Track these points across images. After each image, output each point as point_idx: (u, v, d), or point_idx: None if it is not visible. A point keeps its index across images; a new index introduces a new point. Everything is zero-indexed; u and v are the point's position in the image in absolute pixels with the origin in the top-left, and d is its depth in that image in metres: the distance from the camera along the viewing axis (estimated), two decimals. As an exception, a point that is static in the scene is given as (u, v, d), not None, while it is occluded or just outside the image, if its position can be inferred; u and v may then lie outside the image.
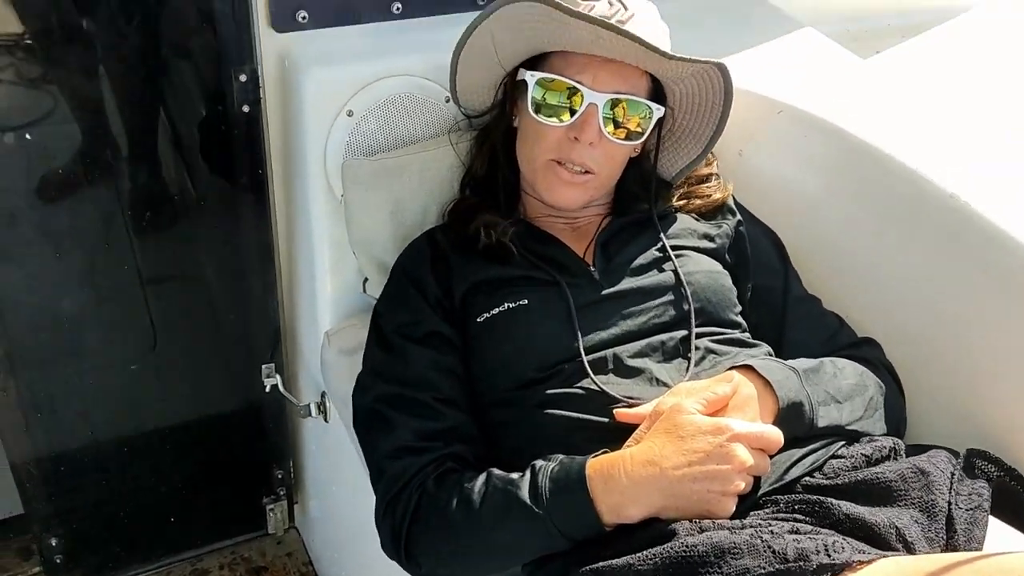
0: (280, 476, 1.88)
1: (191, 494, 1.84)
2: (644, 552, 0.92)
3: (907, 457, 1.08)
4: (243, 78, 1.33)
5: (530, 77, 1.24)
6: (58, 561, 1.71)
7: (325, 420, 1.60)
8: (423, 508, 1.08)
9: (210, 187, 1.50)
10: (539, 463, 1.04)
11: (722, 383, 1.05)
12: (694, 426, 0.99)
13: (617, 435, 1.06)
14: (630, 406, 1.09)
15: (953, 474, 1.04)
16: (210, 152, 1.44)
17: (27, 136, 1.29)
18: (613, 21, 1.18)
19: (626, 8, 1.22)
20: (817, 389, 1.11)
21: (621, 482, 0.97)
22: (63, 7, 1.26)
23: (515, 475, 1.04)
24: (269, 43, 1.36)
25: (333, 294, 1.50)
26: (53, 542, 1.68)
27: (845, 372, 1.19)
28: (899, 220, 1.33)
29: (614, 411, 1.09)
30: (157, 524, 1.85)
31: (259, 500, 1.91)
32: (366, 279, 1.47)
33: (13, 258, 1.42)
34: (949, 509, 0.99)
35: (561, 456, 1.04)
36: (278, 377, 1.65)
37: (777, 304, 1.34)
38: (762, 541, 0.89)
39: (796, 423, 1.06)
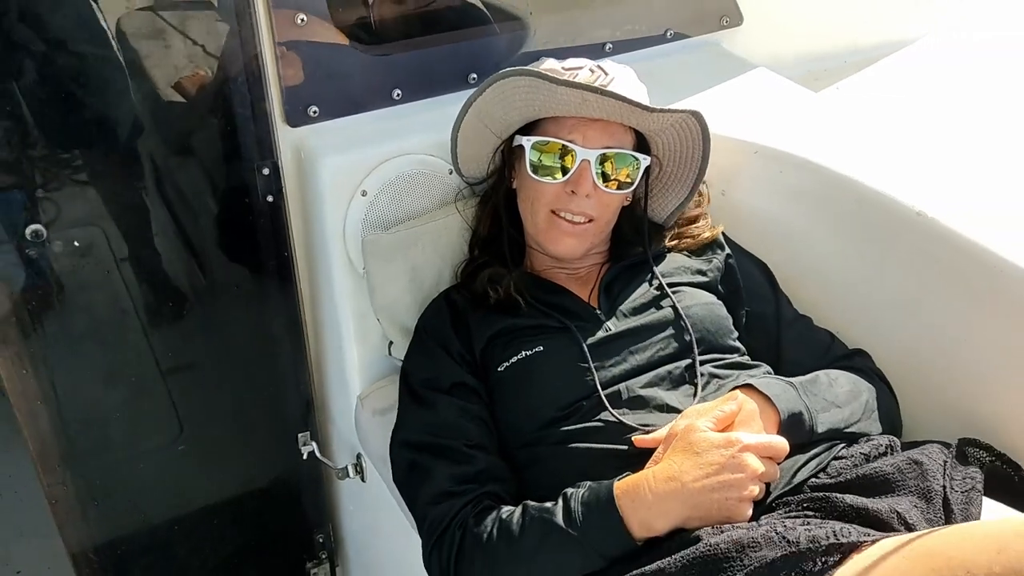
0: (321, 540, 1.96)
1: (239, 565, 1.92)
2: (673, 556, 1.02)
3: (902, 452, 1.18)
4: (266, 171, 1.47)
5: (526, 142, 1.38)
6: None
7: (362, 480, 1.70)
8: (467, 545, 1.17)
9: (239, 273, 1.62)
10: (569, 491, 1.14)
11: (728, 402, 1.15)
12: (708, 442, 1.09)
13: (637, 460, 1.16)
14: (646, 432, 1.20)
15: (946, 462, 1.15)
16: (238, 240, 1.56)
17: (75, 243, 1.42)
18: (595, 85, 1.32)
19: (606, 73, 1.37)
20: (814, 398, 1.21)
21: (647, 499, 1.08)
22: (96, 116, 1.40)
23: (548, 504, 1.14)
24: (285, 137, 1.50)
25: (361, 360, 1.60)
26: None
27: (839, 381, 1.30)
28: (875, 239, 1.46)
29: (632, 438, 1.19)
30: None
31: (302, 565, 1.99)
32: (391, 342, 1.58)
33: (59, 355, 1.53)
34: (944, 493, 1.09)
35: (589, 483, 1.14)
36: (314, 444, 1.75)
37: (771, 328, 1.45)
38: (776, 533, 0.99)
39: (798, 431, 1.17)
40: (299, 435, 1.74)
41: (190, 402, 1.72)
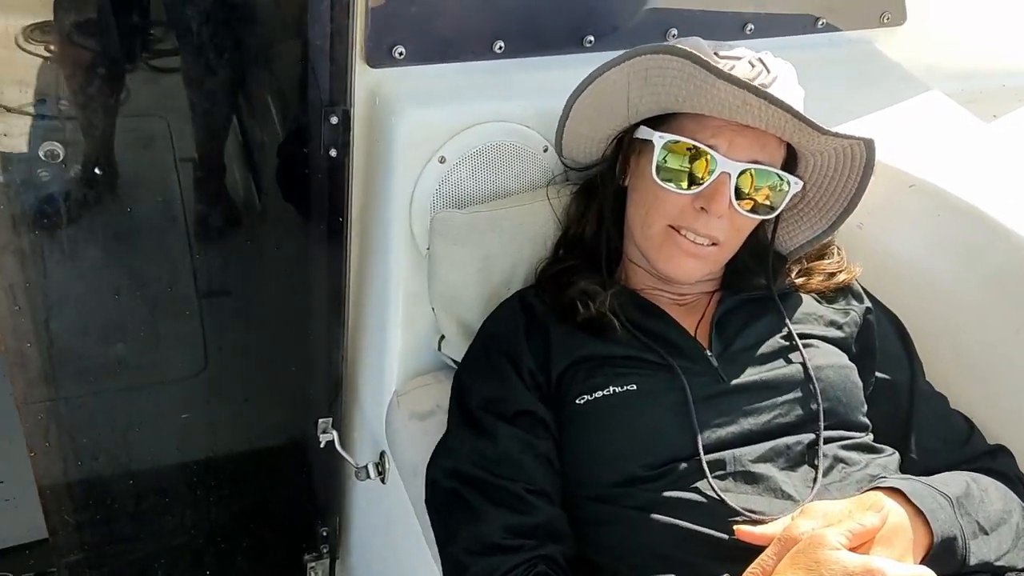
0: (325, 534, 1.76)
1: (231, 542, 1.73)
2: None
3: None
4: (334, 120, 1.21)
5: (658, 139, 1.12)
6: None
7: (383, 482, 1.47)
8: None
9: (284, 229, 1.39)
10: None
11: (869, 512, 0.90)
12: (840, 566, 0.84)
13: (735, 553, 0.92)
14: (753, 522, 0.96)
15: None
16: (289, 195, 1.32)
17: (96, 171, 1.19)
18: (756, 84, 1.06)
19: (768, 70, 1.11)
20: (969, 519, 0.97)
21: (758, 627, 0.84)
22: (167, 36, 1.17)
23: None
24: (361, 79, 1.25)
25: (404, 350, 1.38)
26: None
27: (990, 495, 1.05)
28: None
29: (734, 527, 0.95)
30: (193, 572, 1.73)
31: (299, 556, 1.79)
32: (443, 336, 1.34)
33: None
34: None
35: None
36: (335, 433, 1.53)
37: (903, 401, 1.20)
38: None
39: (947, 561, 0.93)
40: (319, 420, 1.51)
41: (219, 336, 1.52)
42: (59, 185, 1.23)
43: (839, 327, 1.19)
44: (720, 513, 0.98)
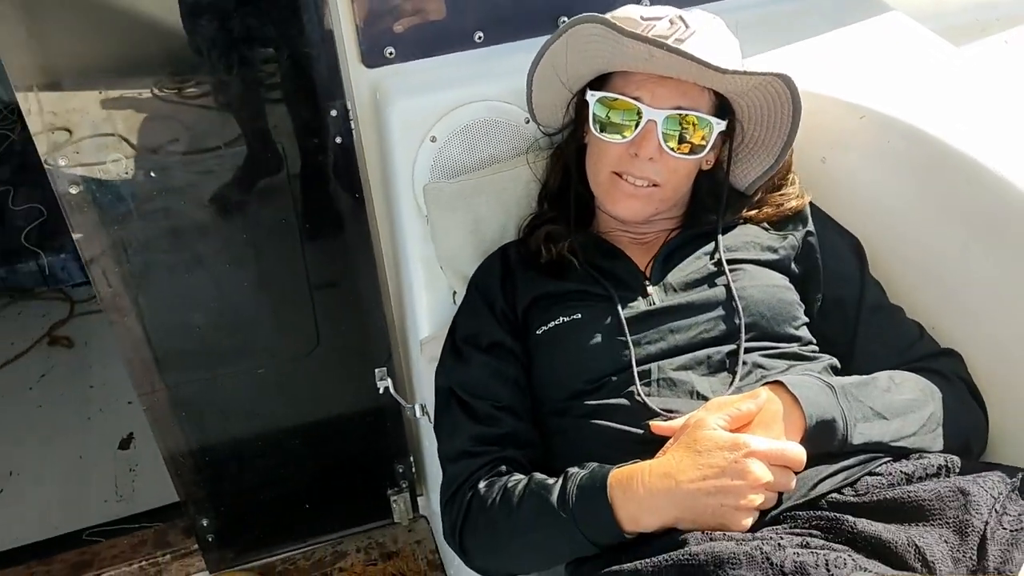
0: (401, 470, 2.03)
1: (326, 484, 2.04)
2: (651, 559, 0.97)
3: (959, 476, 1.04)
4: (334, 113, 1.48)
5: (591, 96, 1.30)
6: (210, 540, 1.95)
7: (429, 421, 1.72)
8: (473, 507, 1.17)
9: (316, 210, 1.66)
10: (572, 470, 1.10)
11: (748, 399, 1.06)
12: (712, 441, 1.01)
13: (653, 447, 1.09)
14: (668, 419, 1.13)
15: (1002, 493, 1.00)
16: (313, 179, 1.60)
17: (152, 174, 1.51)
18: (671, 40, 1.21)
19: (687, 26, 1.24)
20: (859, 404, 1.09)
21: (638, 492, 1.02)
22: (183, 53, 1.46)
23: (551, 480, 1.11)
24: (361, 78, 1.50)
25: (428, 305, 1.61)
26: (205, 523, 1.92)
27: (903, 387, 1.15)
28: (987, 229, 1.26)
29: (650, 424, 1.12)
30: (298, 510, 2.05)
31: (384, 491, 2.08)
32: (455, 291, 1.57)
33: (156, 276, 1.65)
34: (985, 530, 0.95)
35: (594, 465, 1.10)
36: (389, 380, 1.79)
37: (850, 314, 1.31)
38: (762, 553, 0.91)
39: (826, 440, 1.05)
40: (376, 370, 1.79)
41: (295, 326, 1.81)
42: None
43: (774, 251, 1.31)
44: (644, 414, 1.14)
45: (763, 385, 1.10)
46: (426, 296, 1.61)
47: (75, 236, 1.44)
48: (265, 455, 1.92)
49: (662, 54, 1.18)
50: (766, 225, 1.37)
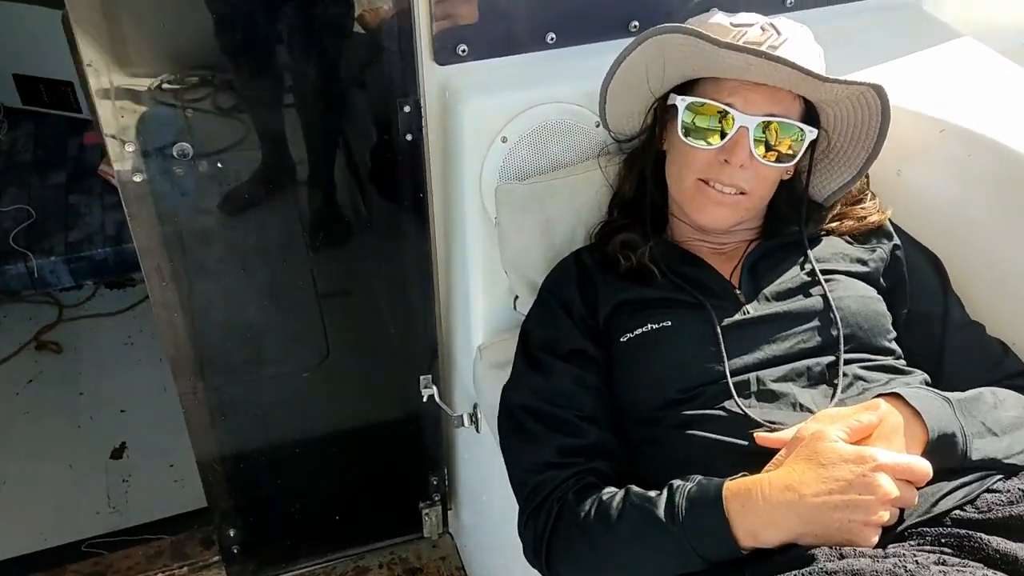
0: (435, 482, 1.98)
1: (355, 496, 1.97)
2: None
3: (1074, 495, 1.02)
4: (407, 109, 1.43)
5: (680, 102, 1.27)
6: (235, 551, 1.88)
7: (476, 430, 1.68)
8: (563, 519, 1.12)
9: (376, 208, 1.62)
10: (677, 482, 1.06)
11: (867, 411, 1.03)
12: (836, 454, 0.98)
13: (757, 459, 1.06)
14: (772, 430, 1.09)
15: None
16: (377, 176, 1.55)
17: (218, 164, 1.45)
18: (765, 47, 1.19)
19: (779, 33, 1.23)
20: (973, 420, 1.07)
21: (758, 505, 0.98)
22: (252, 46, 1.41)
23: (653, 493, 1.07)
24: (431, 75, 1.45)
25: (486, 310, 1.57)
26: (231, 533, 1.85)
27: (1007, 403, 1.13)
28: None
29: (755, 435, 1.09)
30: (324, 522, 1.98)
31: (415, 504, 2.02)
32: (516, 296, 1.53)
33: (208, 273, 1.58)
34: None
35: (699, 477, 1.06)
36: (434, 388, 1.74)
37: (936, 330, 1.29)
38: (905, 571, 0.88)
39: (947, 455, 1.03)
40: (421, 377, 1.73)
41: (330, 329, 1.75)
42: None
43: (864, 263, 1.29)
44: (744, 425, 1.11)
45: (878, 396, 1.07)
46: (484, 301, 1.56)
47: (131, 226, 1.37)
48: (299, 464, 1.85)
49: (760, 62, 1.16)
50: (848, 238, 1.35)
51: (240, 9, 1.34)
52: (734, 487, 1.01)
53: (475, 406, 1.66)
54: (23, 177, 3.29)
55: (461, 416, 1.68)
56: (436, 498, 2.00)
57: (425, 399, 1.74)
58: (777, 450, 1.06)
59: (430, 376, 1.74)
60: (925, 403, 1.04)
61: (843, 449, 0.98)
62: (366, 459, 1.93)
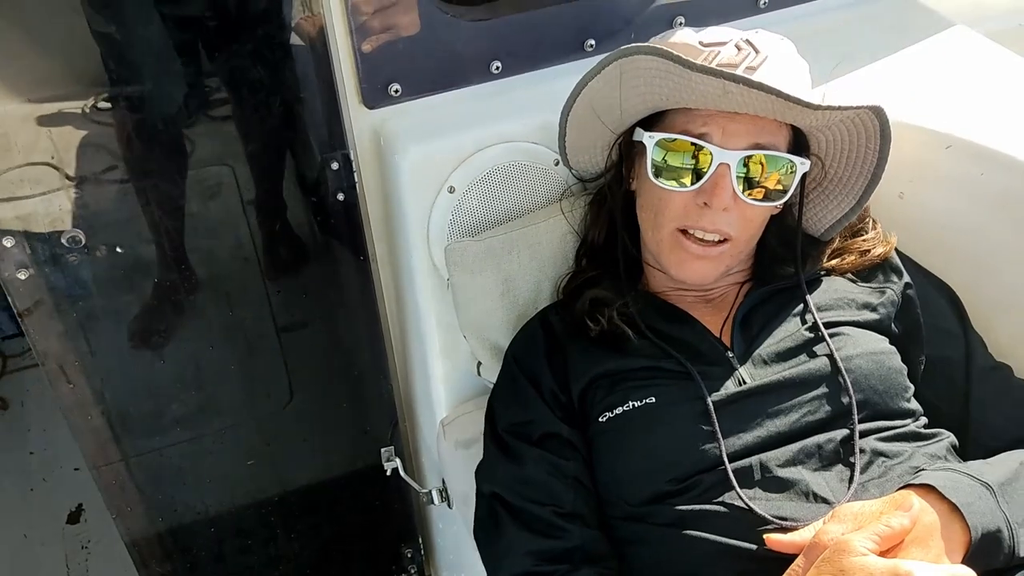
0: (409, 554, 1.81)
1: (319, 570, 1.80)
2: None
3: None
4: (335, 166, 1.25)
5: (648, 139, 1.09)
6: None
7: (449, 507, 1.50)
8: None
9: (318, 274, 1.44)
10: None
11: (898, 513, 0.86)
12: (866, 572, 0.80)
13: (769, 565, 0.90)
14: (783, 529, 0.93)
15: None
16: (314, 241, 1.37)
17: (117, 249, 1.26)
18: (742, 68, 1.02)
19: (757, 51, 1.05)
20: (1018, 508, 0.90)
21: (778, 640, 0.81)
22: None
23: None
24: (362, 122, 1.27)
25: (446, 377, 1.40)
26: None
27: None
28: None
29: (764, 537, 0.92)
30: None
31: (389, 577, 1.85)
32: (480, 363, 1.35)
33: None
34: None
35: None
36: (398, 461, 1.56)
37: (958, 377, 1.13)
38: None
39: (992, 555, 0.87)
40: (383, 450, 1.55)
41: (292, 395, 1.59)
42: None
43: (873, 309, 1.12)
44: (750, 523, 0.95)
45: (905, 487, 0.90)
46: (443, 367, 1.39)
47: (4, 280, 1.16)
48: (250, 536, 1.67)
49: (739, 89, 0.98)
50: (851, 276, 1.18)
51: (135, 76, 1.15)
52: None
53: (444, 481, 1.48)
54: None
55: (430, 492, 1.50)
56: (412, 570, 1.83)
57: (389, 472, 1.56)
58: (789, 555, 0.89)
59: (391, 448, 1.56)
60: (964, 496, 0.87)
61: (873, 566, 0.81)
62: (331, 532, 1.76)
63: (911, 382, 1.09)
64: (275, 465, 1.66)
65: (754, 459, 0.99)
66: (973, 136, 1.23)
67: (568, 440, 1.09)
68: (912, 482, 0.91)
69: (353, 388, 1.56)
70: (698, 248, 1.08)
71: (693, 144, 1.05)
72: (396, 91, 1.26)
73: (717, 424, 1.01)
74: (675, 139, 1.07)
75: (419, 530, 1.81)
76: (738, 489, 0.97)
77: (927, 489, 0.89)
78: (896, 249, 1.21)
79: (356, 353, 1.51)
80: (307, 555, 1.78)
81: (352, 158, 1.25)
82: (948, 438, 1.06)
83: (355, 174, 1.27)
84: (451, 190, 1.26)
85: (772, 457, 0.99)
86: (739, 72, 1.01)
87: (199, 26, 1.14)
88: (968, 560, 0.85)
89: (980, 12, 1.65)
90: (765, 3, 1.45)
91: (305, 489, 1.72)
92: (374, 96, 1.25)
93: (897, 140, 1.14)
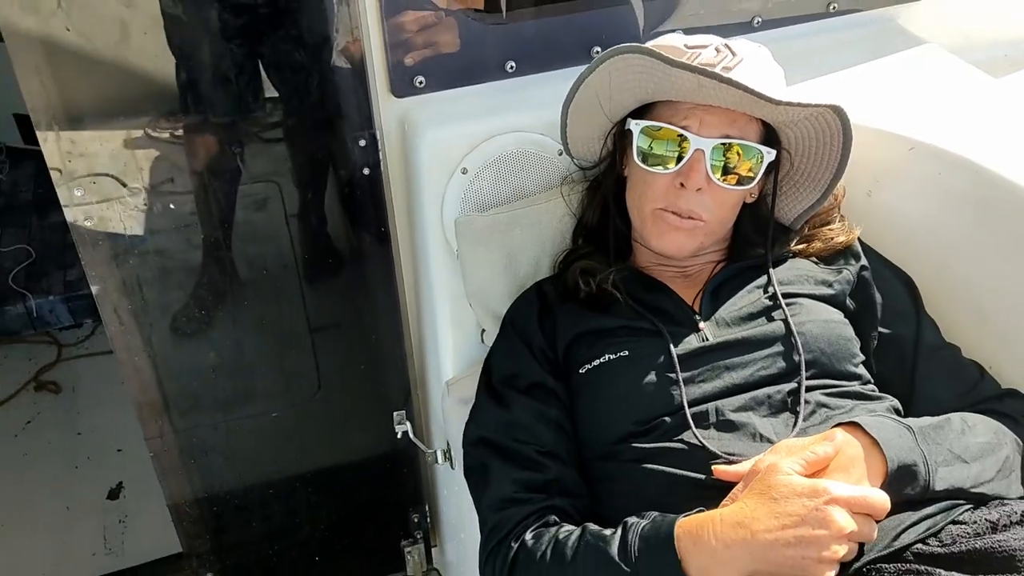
0: (416, 519, 1.94)
1: (335, 535, 1.93)
2: None
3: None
4: (363, 143, 1.42)
5: (635, 126, 1.24)
6: (213, 596, 1.84)
7: (452, 467, 1.64)
8: (520, 560, 1.08)
9: (343, 244, 1.60)
10: (631, 520, 1.02)
11: (824, 442, 0.99)
12: (789, 488, 0.94)
13: (716, 493, 1.02)
14: (730, 463, 1.06)
15: None
16: (341, 212, 1.53)
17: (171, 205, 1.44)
18: (718, 68, 1.17)
19: (734, 54, 1.20)
20: (938, 448, 1.02)
21: (710, 544, 0.94)
22: (210, 83, 1.40)
23: (608, 531, 1.03)
24: (389, 108, 1.44)
25: (454, 344, 1.54)
26: (209, 578, 1.82)
27: (976, 429, 1.09)
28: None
29: (712, 468, 1.05)
30: (305, 563, 1.94)
31: (398, 542, 1.97)
32: (483, 330, 1.50)
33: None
34: None
35: (655, 514, 1.02)
36: (408, 424, 1.70)
37: (907, 353, 1.25)
38: None
39: (909, 486, 0.99)
40: (395, 413, 1.70)
41: (312, 366, 1.73)
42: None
43: (829, 285, 1.26)
44: (702, 458, 1.08)
45: (836, 426, 1.03)
46: (452, 335, 1.54)
47: (86, 270, 1.35)
48: (274, 504, 1.82)
49: (712, 83, 1.13)
50: (815, 260, 1.31)
51: (197, 51, 1.33)
52: (686, 524, 0.97)
53: (448, 443, 1.63)
54: (23, 217, 3.33)
55: (435, 452, 1.65)
56: (418, 535, 1.96)
57: (399, 435, 1.70)
58: (734, 484, 1.02)
59: (403, 412, 1.71)
60: (884, 432, 1.00)
61: (796, 482, 0.94)
62: (345, 498, 1.90)
63: (863, 355, 1.22)
64: (304, 443, 1.81)
65: (711, 405, 1.12)
66: (934, 140, 1.35)
67: (552, 390, 1.23)
68: (842, 420, 1.04)
69: (374, 357, 1.71)
70: (676, 220, 1.23)
71: (675, 132, 1.21)
72: (421, 83, 1.43)
73: (680, 374, 1.15)
74: (660, 127, 1.22)
75: (426, 498, 1.95)
76: (694, 429, 1.10)
77: (854, 426, 1.01)
78: (860, 240, 1.34)
79: (378, 322, 1.66)
80: (324, 522, 1.92)
81: (378, 137, 1.42)
82: (891, 401, 1.18)
83: (380, 152, 1.44)
84: (464, 171, 1.42)
85: (727, 404, 1.12)
86: (716, 71, 1.16)
87: (251, 12, 1.33)
88: (885, 488, 0.96)
89: (968, 43, 1.78)
90: (759, 22, 1.61)
91: (325, 463, 1.86)
92: (401, 86, 1.42)
93: (865, 143, 1.27)
